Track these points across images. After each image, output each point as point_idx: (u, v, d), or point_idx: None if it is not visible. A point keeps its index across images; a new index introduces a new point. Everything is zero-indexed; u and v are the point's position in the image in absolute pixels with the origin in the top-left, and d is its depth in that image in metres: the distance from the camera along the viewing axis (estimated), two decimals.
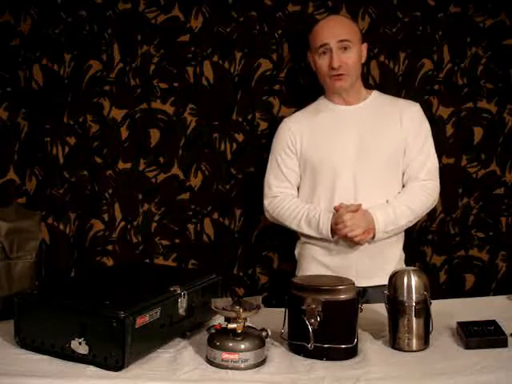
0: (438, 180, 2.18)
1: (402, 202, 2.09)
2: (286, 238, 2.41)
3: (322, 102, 2.26)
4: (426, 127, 2.19)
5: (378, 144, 2.12)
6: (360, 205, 2.05)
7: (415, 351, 1.54)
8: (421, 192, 2.11)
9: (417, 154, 2.13)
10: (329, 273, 2.05)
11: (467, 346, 1.54)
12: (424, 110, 2.24)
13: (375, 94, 2.24)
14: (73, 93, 2.46)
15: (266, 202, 2.24)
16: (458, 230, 2.55)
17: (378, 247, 2.10)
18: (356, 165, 2.11)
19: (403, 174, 2.15)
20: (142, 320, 1.42)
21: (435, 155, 2.18)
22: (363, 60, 2.21)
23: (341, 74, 2.12)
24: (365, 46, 2.21)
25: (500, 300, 1.97)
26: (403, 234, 2.22)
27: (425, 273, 1.61)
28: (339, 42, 2.10)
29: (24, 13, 2.41)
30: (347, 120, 2.18)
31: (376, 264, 2.09)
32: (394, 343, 1.56)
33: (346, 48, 2.11)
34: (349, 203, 2.06)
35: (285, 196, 2.21)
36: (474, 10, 2.47)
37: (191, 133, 2.50)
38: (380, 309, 1.70)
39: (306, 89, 2.47)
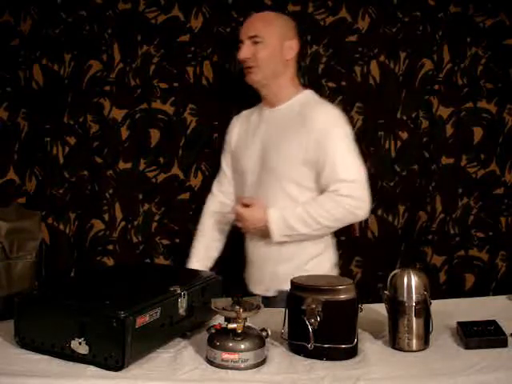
0: (362, 190, 1.96)
1: (305, 207, 1.97)
2: None
3: (261, 103, 2.22)
4: (339, 135, 1.99)
5: (279, 154, 2.02)
6: (251, 198, 2.03)
7: (415, 351, 1.54)
8: (329, 202, 1.95)
9: (328, 164, 1.96)
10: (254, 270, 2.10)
11: (467, 346, 1.54)
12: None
13: (301, 96, 2.10)
14: (73, 93, 2.46)
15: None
16: (458, 229, 2.55)
17: (285, 252, 2.04)
18: (259, 172, 2.07)
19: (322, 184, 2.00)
20: (142, 320, 1.42)
21: (355, 164, 1.98)
22: (288, 57, 2.07)
23: (250, 67, 2.06)
24: (293, 43, 2.08)
25: (500, 300, 1.97)
26: (325, 240, 2.10)
27: (425, 273, 1.61)
28: (250, 37, 2.05)
29: (24, 13, 2.41)
30: (262, 123, 2.13)
31: (289, 270, 1.95)
32: (394, 343, 1.56)
33: (257, 42, 2.04)
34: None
35: (211, 197, 2.29)
36: (474, 10, 2.48)
37: (191, 133, 2.50)
38: (380, 309, 1.70)
39: (305, 89, 2.47)
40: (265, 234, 2.01)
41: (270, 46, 2.04)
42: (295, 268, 1.97)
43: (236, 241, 2.53)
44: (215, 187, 2.29)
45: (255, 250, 2.14)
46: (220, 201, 2.27)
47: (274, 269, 2.06)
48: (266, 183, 2.06)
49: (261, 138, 2.11)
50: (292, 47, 2.09)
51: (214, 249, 2.28)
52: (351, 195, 1.93)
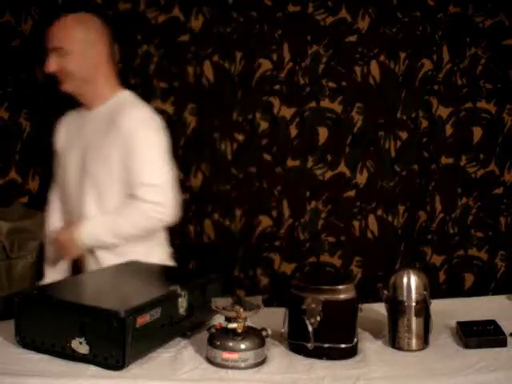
0: (162, 194, 1.92)
1: (114, 221, 1.96)
2: (288, 239, 2.41)
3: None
4: (143, 138, 1.95)
5: (95, 159, 1.99)
6: (57, 232, 2.03)
7: (415, 351, 1.54)
8: (131, 212, 1.93)
9: (132, 168, 1.93)
10: None
11: (467, 346, 1.54)
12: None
13: (117, 97, 2.05)
14: None
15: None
16: (458, 229, 2.56)
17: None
18: (79, 179, 2.03)
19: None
20: (143, 320, 1.42)
21: (156, 168, 1.95)
22: (97, 61, 2.01)
23: (61, 78, 2.01)
24: (100, 46, 2.01)
25: (499, 300, 1.97)
26: (155, 237, 2.07)
27: (424, 272, 1.61)
28: (53, 49, 1.98)
29: (25, 13, 2.42)
30: (82, 126, 2.08)
31: None
32: (394, 343, 1.56)
33: (62, 55, 1.97)
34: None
35: (50, 204, 2.19)
36: (473, 10, 2.48)
37: (191, 133, 2.50)
38: (380, 309, 1.71)
39: (306, 89, 2.48)
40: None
41: (75, 55, 1.97)
42: None
43: (235, 241, 2.55)
44: (52, 193, 2.21)
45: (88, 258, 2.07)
46: (59, 207, 2.18)
47: None
48: (86, 189, 2.00)
49: (81, 143, 2.05)
50: (99, 50, 2.02)
51: None
52: (151, 200, 1.90)
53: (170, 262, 2.12)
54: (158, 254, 2.09)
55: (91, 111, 2.07)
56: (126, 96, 2.07)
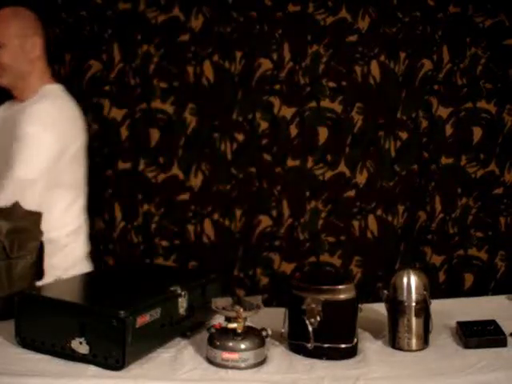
0: (11, 185, 1.93)
1: None
2: (287, 239, 2.41)
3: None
4: (25, 131, 1.94)
5: (12, 149, 1.96)
6: None
7: (415, 351, 1.54)
8: None
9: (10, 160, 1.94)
10: None
11: (466, 346, 1.54)
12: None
13: (42, 91, 2.05)
14: (73, 93, 2.45)
15: None
16: (457, 229, 2.56)
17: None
18: (2, 168, 1.98)
19: None
20: (143, 320, 1.42)
21: (24, 161, 1.94)
22: (33, 55, 2.03)
23: None
24: (35, 40, 2.03)
25: (499, 300, 1.97)
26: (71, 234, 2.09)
27: (424, 272, 1.61)
28: None
29: None
30: (11, 117, 2.05)
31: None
32: (394, 343, 1.56)
33: None
34: None
35: None
36: (473, 11, 2.48)
37: (191, 133, 2.50)
38: (380, 309, 1.71)
39: (306, 88, 2.47)
40: None
41: (11, 49, 1.98)
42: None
43: (235, 241, 2.55)
44: None
45: None
46: None
47: None
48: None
49: (8, 133, 2.03)
50: (35, 44, 2.03)
51: None
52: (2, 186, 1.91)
53: (86, 262, 2.12)
54: (77, 251, 2.10)
55: (21, 103, 2.06)
56: (49, 89, 2.06)
